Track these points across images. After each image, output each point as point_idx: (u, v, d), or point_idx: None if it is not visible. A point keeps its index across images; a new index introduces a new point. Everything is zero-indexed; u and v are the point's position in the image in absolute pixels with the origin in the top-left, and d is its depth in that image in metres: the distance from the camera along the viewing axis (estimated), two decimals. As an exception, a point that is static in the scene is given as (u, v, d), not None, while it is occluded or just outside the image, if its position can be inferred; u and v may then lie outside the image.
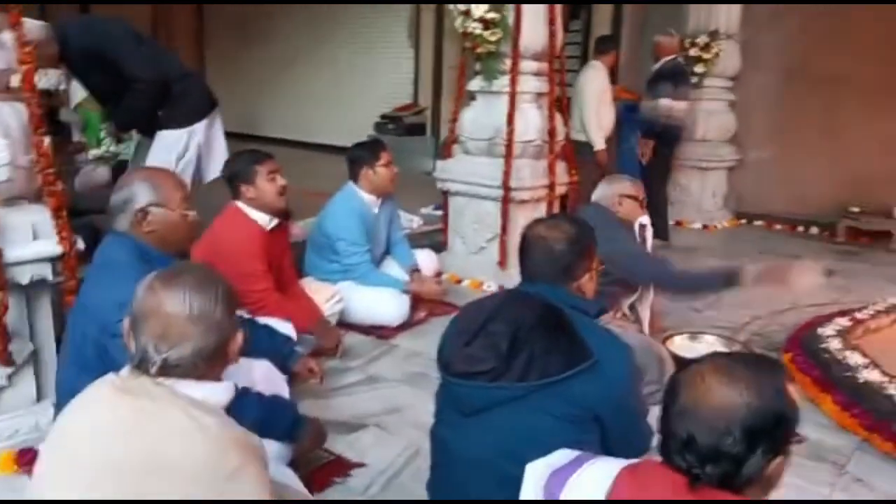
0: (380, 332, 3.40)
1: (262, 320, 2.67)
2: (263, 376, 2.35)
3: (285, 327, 2.73)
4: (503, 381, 1.59)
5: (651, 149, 5.43)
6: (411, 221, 4.91)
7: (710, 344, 3.03)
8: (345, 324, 3.42)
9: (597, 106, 5.33)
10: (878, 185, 5.98)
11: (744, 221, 6.68)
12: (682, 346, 2.97)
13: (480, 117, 4.30)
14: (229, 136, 3.77)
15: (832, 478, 2.28)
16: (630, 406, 1.68)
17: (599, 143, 5.35)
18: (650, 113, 5.43)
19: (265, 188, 2.83)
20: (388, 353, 3.20)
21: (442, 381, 1.76)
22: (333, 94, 9.78)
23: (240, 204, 2.84)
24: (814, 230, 6.34)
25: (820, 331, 3.17)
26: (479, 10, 4.08)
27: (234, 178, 2.86)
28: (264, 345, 2.46)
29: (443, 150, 8.22)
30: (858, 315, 3.39)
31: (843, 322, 3.27)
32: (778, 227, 6.53)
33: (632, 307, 3.16)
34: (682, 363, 2.83)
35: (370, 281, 3.42)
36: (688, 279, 3.04)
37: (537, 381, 1.56)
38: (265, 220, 2.87)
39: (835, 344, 2.97)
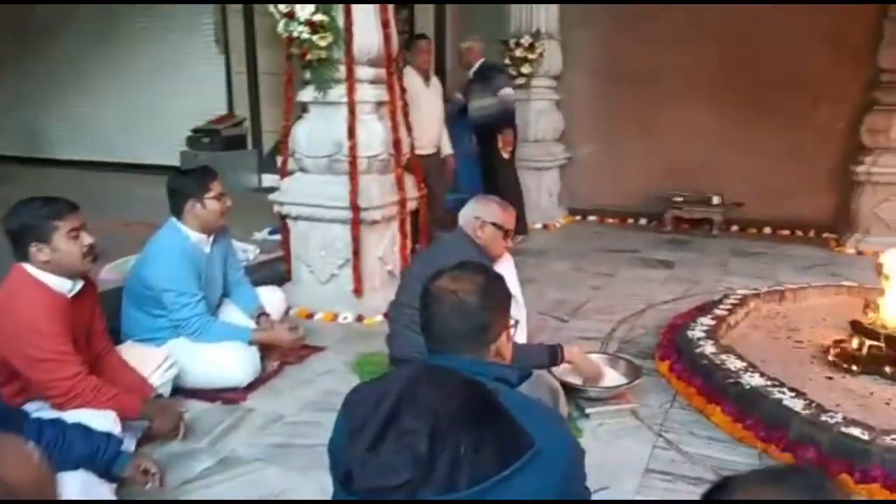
0: (227, 396, 2.87)
1: (74, 415, 2.09)
2: (79, 496, 1.79)
3: (105, 418, 2.16)
4: (425, 492, 1.23)
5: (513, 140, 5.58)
6: (246, 252, 4.33)
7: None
8: (182, 391, 2.85)
9: None
10: (695, 174, 6.37)
11: (578, 218, 6.85)
12: (567, 370, 2.78)
13: (317, 131, 3.87)
14: (5, 160, 3.01)
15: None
16: (575, 489, 1.40)
17: None
18: (499, 106, 5.47)
19: (66, 249, 2.20)
20: (241, 423, 2.69)
21: (337, 494, 1.36)
22: (135, 106, 8.69)
23: (29, 268, 2.18)
24: (643, 221, 6.64)
25: (690, 333, 3.15)
26: (304, 12, 3.65)
27: (22, 235, 2.18)
28: (77, 451, 1.90)
29: (269, 166, 7.71)
30: (718, 311, 3.44)
31: (708, 321, 3.29)
32: (610, 220, 6.77)
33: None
34: (571, 389, 2.67)
35: (209, 336, 2.86)
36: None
37: (469, 488, 1.22)
38: (66, 287, 2.24)
39: (709, 348, 2.95)
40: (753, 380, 2.61)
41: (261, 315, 3.21)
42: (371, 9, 3.79)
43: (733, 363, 2.78)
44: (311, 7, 3.63)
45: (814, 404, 2.39)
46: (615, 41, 6.61)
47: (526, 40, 6.30)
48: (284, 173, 4.16)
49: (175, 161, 7.71)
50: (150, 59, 8.51)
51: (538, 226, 6.36)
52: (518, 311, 2.97)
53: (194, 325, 2.84)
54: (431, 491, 1.22)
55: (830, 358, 2.97)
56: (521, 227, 5.55)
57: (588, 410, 2.64)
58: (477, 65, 5.63)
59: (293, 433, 2.59)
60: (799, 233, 6.09)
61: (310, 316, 3.90)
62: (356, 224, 3.78)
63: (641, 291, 4.38)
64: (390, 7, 3.91)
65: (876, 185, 5.44)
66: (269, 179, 7.65)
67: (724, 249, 5.56)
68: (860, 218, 5.55)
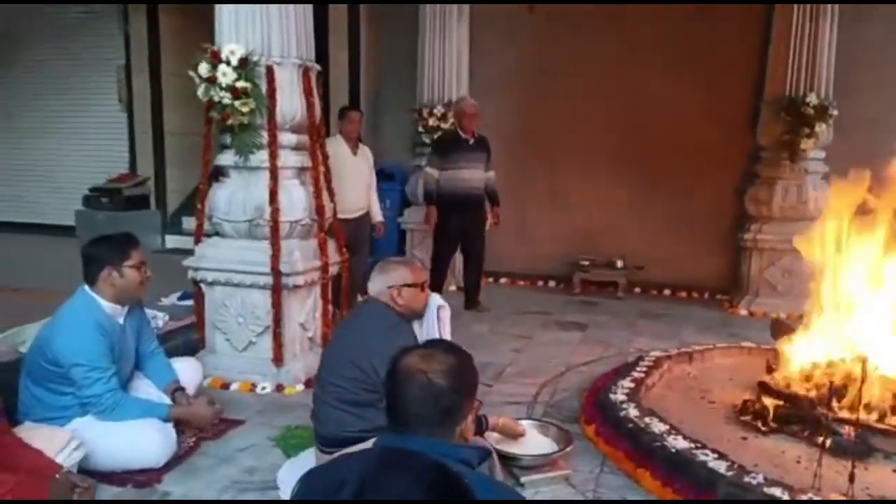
0: (140, 479, 2.65)
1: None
2: None
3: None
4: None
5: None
6: (156, 318, 4.10)
7: (526, 430, 2.89)
8: (87, 474, 2.61)
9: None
10: (600, 239, 6.70)
11: (491, 280, 6.97)
12: (500, 438, 2.79)
13: (237, 195, 3.78)
14: None
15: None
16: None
17: None
18: (485, 181, 5.58)
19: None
20: (158, 508, 2.50)
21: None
22: (27, 163, 8.21)
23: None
24: (552, 283, 6.86)
25: (613, 397, 3.24)
26: (226, 78, 3.61)
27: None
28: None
29: (174, 226, 7.43)
30: (636, 374, 3.57)
31: (628, 384, 3.41)
32: (521, 282, 6.94)
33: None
34: (505, 458, 2.67)
35: (124, 414, 2.66)
36: None
37: (439, 577, 1.18)
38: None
39: (633, 411, 3.04)
40: (678, 442, 2.71)
41: (176, 390, 3.02)
42: (294, 77, 3.80)
43: (657, 426, 2.87)
44: (233, 74, 3.60)
45: (736, 465, 2.51)
46: (523, 113, 6.94)
47: (438, 110, 6.51)
48: (199, 237, 4.02)
49: (70, 221, 7.30)
50: (47, 115, 8.12)
51: (453, 287, 6.42)
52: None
53: (107, 402, 2.64)
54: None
55: (743, 418, 3.13)
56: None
57: (523, 479, 2.64)
58: (476, 133, 5.56)
59: (218, 517, 2.43)
60: (695, 294, 6.48)
61: (225, 386, 3.72)
62: (277, 290, 3.68)
63: (559, 353, 4.49)
64: (313, 76, 3.95)
65: (762, 251, 5.90)
66: (173, 240, 7.37)
67: (631, 311, 5.81)
68: (749, 281, 5.98)
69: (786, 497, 2.30)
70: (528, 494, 2.61)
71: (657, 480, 2.60)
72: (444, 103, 6.55)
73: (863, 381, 2.59)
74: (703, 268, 6.50)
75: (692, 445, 2.68)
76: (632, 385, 3.41)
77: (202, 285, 3.92)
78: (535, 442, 2.83)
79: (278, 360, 3.74)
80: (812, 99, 5.42)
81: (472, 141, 5.52)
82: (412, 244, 6.82)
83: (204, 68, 3.64)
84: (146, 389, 2.98)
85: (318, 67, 4.00)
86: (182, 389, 3.04)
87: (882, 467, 2.75)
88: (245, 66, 3.59)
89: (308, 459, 2.73)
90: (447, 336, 2.98)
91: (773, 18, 5.80)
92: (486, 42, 6.86)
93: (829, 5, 5.45)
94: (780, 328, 3.87)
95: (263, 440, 3.10)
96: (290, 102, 3.77)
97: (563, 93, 6.77)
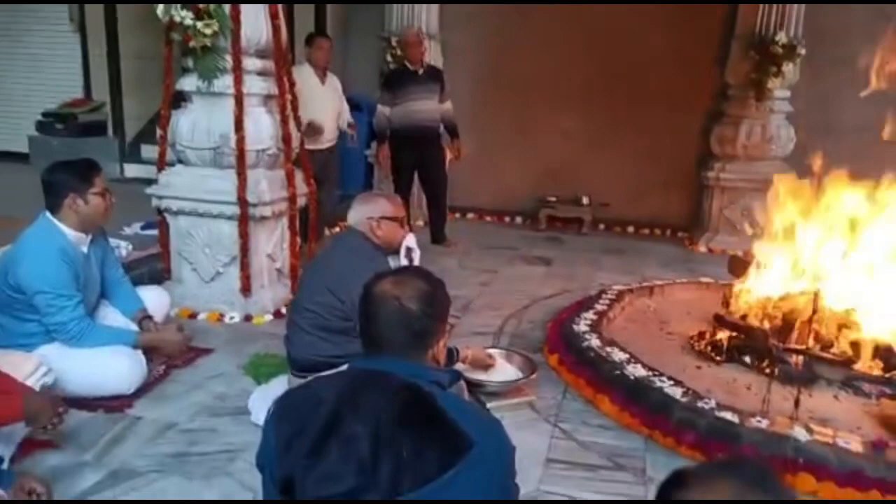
0: (111, 405, 2.67)
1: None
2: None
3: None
4: (369, 497, 1.24)
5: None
6: (119, 247, 4.03)
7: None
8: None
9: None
10: (567, 176, 6.74)
11: (458, 215, 6.99)
12: (467, 368, 2.87)
13: (201, 122, 3.69)
14: None
15: (638, 486, 2.33)
16: (510, 486, 1.46)
17: None
18: (440, 114, 5.46)
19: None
20: (129, 432, 2.52)
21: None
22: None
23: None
24: (518, 220, 6.92)
25: (575, 328, 3.34)
26: (188, -4, 3.45)
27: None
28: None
29: (133, 154, 7.22)
30: (598, 307, 3.68)
31: (590, 316, 3.51)
32: (488, 218, 6.99)
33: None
34: (472, 385, 2.75)
35: (91, 341, 2.65)
36: None
37: (412, 489, 1.24)
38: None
39: (595, 341, 3.15)
40: (636, 370, 2.83)
41: (144, 318, 3.01)
42: (259, -3, 3.66)
43: (617, 355, 2.99)
44: (195, -8, 3.45)
45: (690, 391, 2.64)
46: (493, 45, 6.83)
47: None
48: (162, 165, 3.92)
49: (23, 147, 7.04)
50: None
51: (420, 223, 6.43)
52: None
53: (73, 329, 2.62)
54: (376, 495, 1.23)
55: (699, 348, 3.27)
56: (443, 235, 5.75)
57: (489, 405, 2.73)
58: (426, 63, 5.44)
59: (189, 441, 2.47)
60: (657, 231, 6.62)
61: (193, 316, 3.72)
62: (244, 220, 3.64)
63: (524, 287, 4.58)
64: (279, -2, 3.80)
65: (724, 189, 6.02)
66: (132, 169, 7.18)
67: (595, 247, 5.92)
68: (710, 219, 6.12)
69: (736, 420, 2.44)
70: (493, 419, 2.71)
71: (615, 405, 2.72)
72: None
73: (813, 314, 2.72)
74: (667, 205, 6.62)
75: (649, 373, 2.80)
76: (594, 317, 3.51)
77: (166, 215, 3.85)
78: (500, 369, 2.92)
79: (246, 290, 3.74)
80: (781, 38, 5.44)
81: (421, 72, 5.41)
82: (380, 177, 6.76)
83: (161, -21, 3.48)
84: (113, 318, 2.97)
85: (284, -11, 3.85)
86: (150, 318, 3.03)
87: (825, 393, 2.92)
88: (207, -15, 3.44)
89: (278, 386, 2.77)
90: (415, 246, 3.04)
91: (746, -45, 5.75)
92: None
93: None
94: (738, 265, 4.00)
95: (233, 368, 3.13)
96: (255, 25, 3.64)
97: (532, 28, 6.66)
